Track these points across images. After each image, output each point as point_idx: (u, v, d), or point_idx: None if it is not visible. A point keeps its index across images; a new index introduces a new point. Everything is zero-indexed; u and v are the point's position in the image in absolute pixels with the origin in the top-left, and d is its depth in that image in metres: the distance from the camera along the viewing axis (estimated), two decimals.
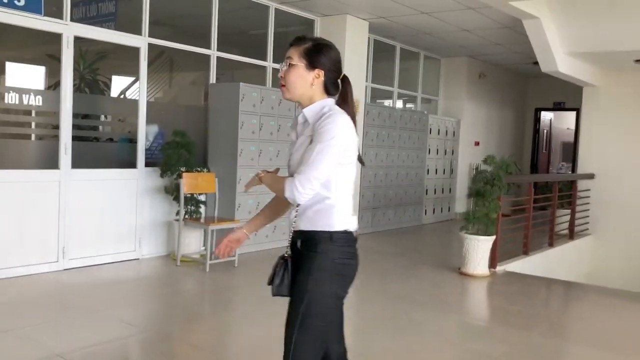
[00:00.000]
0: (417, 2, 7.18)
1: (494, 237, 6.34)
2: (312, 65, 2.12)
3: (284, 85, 2.17)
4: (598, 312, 5.53)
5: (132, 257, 6.19)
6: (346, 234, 2.13)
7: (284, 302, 2.19)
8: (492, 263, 6.52)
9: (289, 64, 2.14)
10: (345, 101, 2.17)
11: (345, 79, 2.20)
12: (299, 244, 2.16)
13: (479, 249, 6.25)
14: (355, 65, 8.16)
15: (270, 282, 2.18)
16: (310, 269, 2.09)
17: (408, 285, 5.91)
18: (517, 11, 6.69)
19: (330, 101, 2.16)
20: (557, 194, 8.46)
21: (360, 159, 2.22)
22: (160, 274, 5.93)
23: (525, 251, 7.46)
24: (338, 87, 2.19)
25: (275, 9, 7.67)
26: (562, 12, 7.27)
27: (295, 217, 2.17)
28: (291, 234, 2.21)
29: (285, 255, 2.19)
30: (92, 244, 5.83)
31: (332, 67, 2.16)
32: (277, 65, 7.80)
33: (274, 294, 2.17)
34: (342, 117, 2.09)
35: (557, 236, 8.66)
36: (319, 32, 8.29)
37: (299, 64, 2.13)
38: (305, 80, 2.13)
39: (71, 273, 5.53)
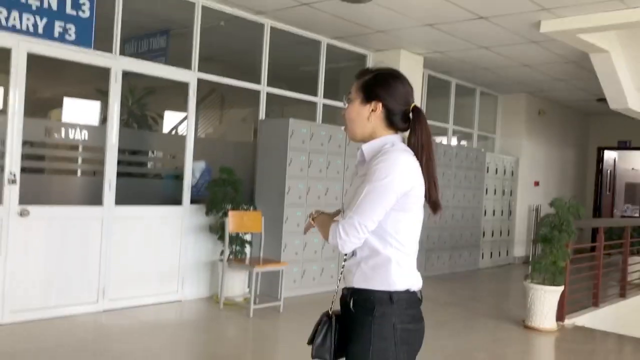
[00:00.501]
0: (475, 36, 6.85)
1: (562, 288, 5.79)
2: (367, 98, 1.89)
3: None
4: None
5: (174, 299, 5.93)
6: (409, 293, 1.82)
7: None
8: (560, 316, 5.94)
9: (348, 99, 1.95)
10: (414, 136, 1.87)
11: (416, 111, 1.89)
12: (351, 303, 1.85)
13: (545, 300, 5.70)
14: None
15: (311, 342, 1.88)
16: (370, 338, 1.78)
17: (467, 341, 5.41)
18: (585, 45, 6.25)
19: (395, 137, 1.90)
20: (629, 239, 7.79)
21: (434, 203, 1.87)
22: (202, 318, 5.64)
23: (595, 302, 6.82)
24: (408, 121, 1.91)
25: (327, 44, 7.47)
26: (633, 47, 6.78)
27: (343, 268, 1.89)
28: (338, 287, 1.90)
29: (330, 312, 1.89)
30: (133, 284, 5.61)
31: (396, 98, 1.87)
32: (327, 101, 7.58)
33: (314, 357, 1.87)
34: (402, 155, 1.79)
35: (630, 286, 7.95)
36: None
37: (356, 99, 1.92)
38: (362, 116, 1.90)
39: (110, 315, 5.30)
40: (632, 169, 14.70)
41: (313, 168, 6.57)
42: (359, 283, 1.83)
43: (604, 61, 6.75)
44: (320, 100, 7.51)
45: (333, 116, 7.87)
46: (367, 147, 1.89)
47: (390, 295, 1.79)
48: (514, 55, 7.66)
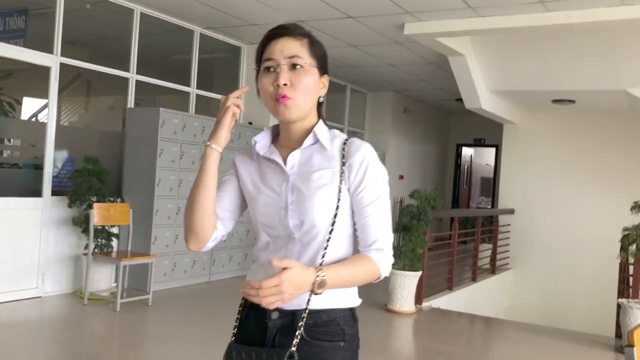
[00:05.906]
0: (344, 34, 7.13)
1: (420, 273, 6.24)
2: (321, 69, 1.48)
3: (286, 98, 1.41)
4: (520, 350, 5.49)
5: (34, 295, 5.60)
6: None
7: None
8: (418, 299, 6.41)
9: (296, 64, 1.42)
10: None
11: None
12: (302, 330, 1.41)
13: (405, 285, 6.12)
14: None
15: None
16: None
17: None
18: (443, 47, 6.76)
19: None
20: (480, 228, 8.55)
21: None
22: (64, 315, 5.39)
23: (450, 286, 7.43)
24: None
25: (201, 33, 7.40)
26: (485, 52, 7.44)
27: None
28: (276, 312, 1.43)
29: (294, 351, 1.38)
30: None
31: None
32: (201, 92, 7.50)
33: None
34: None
35: (480, 270, 8.72)
36: (245, 61, 8.08)
37: (312, 66, 1.45)
38: (317, 89, 1.48)
39: None
40: (487, 164, 16.03)
41: (185, 159, 6.49)
42: (321, 303, 1.42)
43: (460, 64, 7.34)
44: (193, 90, 7.42)
45: (207, 107, 7.82)
46: (321, 131, 1.50)
47: (352, 312, 1.49)
48: (380, 54, 8.08)
